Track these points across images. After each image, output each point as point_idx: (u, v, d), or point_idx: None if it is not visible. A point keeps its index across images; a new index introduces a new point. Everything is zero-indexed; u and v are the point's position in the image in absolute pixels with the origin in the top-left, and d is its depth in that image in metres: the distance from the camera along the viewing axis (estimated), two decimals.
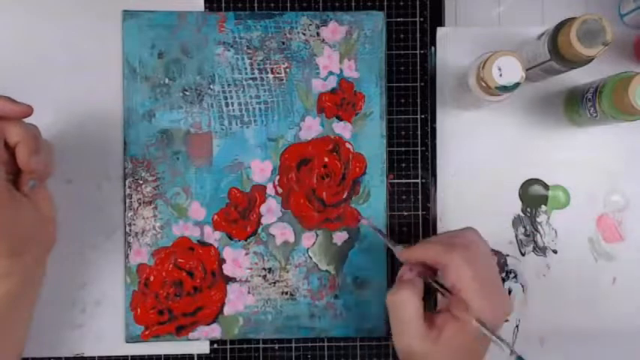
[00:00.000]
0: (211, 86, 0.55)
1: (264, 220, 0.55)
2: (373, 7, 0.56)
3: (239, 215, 0.55)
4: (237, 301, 0.54)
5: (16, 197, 0.43)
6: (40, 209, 0.46)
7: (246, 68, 0.55)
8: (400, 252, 0.49)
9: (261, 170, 0.55)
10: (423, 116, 0.56)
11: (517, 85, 0.46)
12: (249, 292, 0.55)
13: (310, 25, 0.55)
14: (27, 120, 0.44)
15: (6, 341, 0.46)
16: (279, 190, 0.55)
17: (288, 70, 0.55)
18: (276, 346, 0.55)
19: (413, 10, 0.56)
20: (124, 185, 0.54)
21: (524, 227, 0.56)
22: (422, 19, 0.56)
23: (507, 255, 0.56)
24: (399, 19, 0.56)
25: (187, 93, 0.54)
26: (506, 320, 0.56)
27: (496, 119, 0.56)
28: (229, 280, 0.54)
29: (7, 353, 0.46)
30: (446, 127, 0.56)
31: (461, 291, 0.45)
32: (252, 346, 0.55)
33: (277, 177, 0.55)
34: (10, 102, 0.43)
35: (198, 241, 0.54)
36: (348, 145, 0.55)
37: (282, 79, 0.55)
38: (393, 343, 0.47)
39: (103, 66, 0.54)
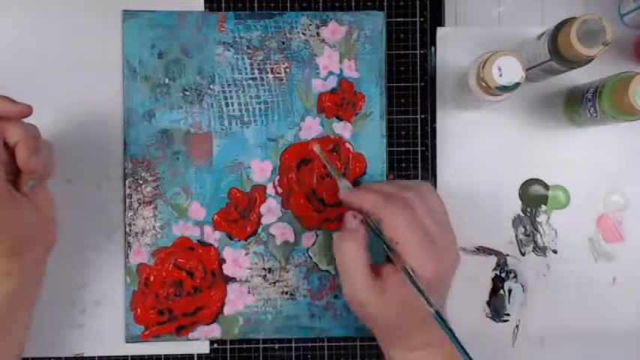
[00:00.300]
0: (211, 86, 0.55)
1: (264, 220, 0.55)
2: (373, 7, 0.56)
3: (239, 215, 0.55)
4: (237, 301, 0.54)
5: (15, 197, 0.43)
6: (40, 209, 0.46)
7: (246, 68, 0.55)
8: (341, 193, 0.49)
9: (261, 170, 0.55)
10: (423, 116, 0.56)
11: (517, 85, 0.46)
12: (249, 292, 0.55)
13: (310, 25, 0.55)
14: (27, 120, 0.44)
15: (6, 341, 0.46)
16: (279, 190, 0.55)
17: (288, 70, 0.55)
18: (276, 346, 0.55)
19: (413, 10, 0.56)
20: (124, 185, 0.54)
21: (524, 227, 0.56)
22: (422, 19, 0.56)
23: (507, 255, 0.56)
24: (399, 19, 0.56)
25: (187, 93, 0.54)
26: (506, 320, 0.56)
27: (496, 119, 0.56)
28: (229, 280, 0.54)
29: (7, 353, 0.47)
30: (446, 127, 0.56)
31: (398, 244, 0.45)
32: (252, 346, 0.55)
33: (277, 177, 0.55)
34: (9, 102, 0.43)
35: (198, 241, 0.54)
36: (348, 145, 0.55)
37: (282, 79, 0.55)
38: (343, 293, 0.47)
39: (103, 66, 0.54)
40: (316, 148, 0.53)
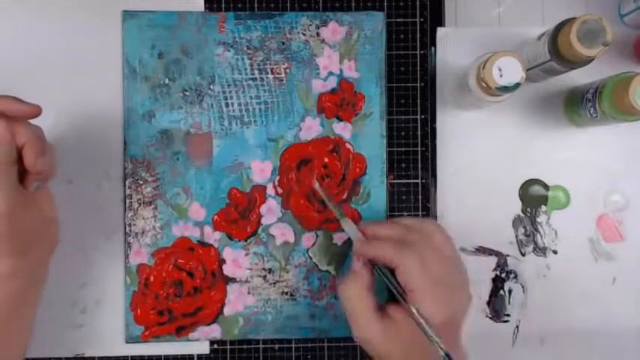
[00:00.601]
0: (211, 86, 0.54)
1: (264, 221, 0.55)
2: (373, 7, 0.56)
3: (239, 215, 0.55)
4: (237, 302, 0.54)
5: (25, 197, 0.44)
6: (44, 210, 0.46)
7: (246, 69, 0.55)
8: (355, 248, 0.50)
9: (261, 170, 0.55)
10: (423, 116, 0.56)
11: (517, 85, 0.46)
12: (249, 293, 0.55)
13: (310, 25, 0.55)
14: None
15: (11, 341, 0.46)
16: (279, 191, 0.55)
17: (288, 70, 0.55)
18: (276, 346, 0.55)
19: (413, 11, 0.56)
20: (124, 185, 0.54)
21: (525, 227, 0.56)
22: (422, 20, 0.56)
23: (507, 255, 0.56)
24: (399, 20, 0.56)
25: (187, 93, 0.54)
26: (506, 321, 0.56)
27: (496, 119, 0.56)
28: (229, 280, 0.54)
29: (11, 353, 0.47)
30: (446, 127, 0.56)
31: (412, 292, 0.45)
32: (252, 346, 0.55)
33: (277, 177, 0.55)
34: (19, 102, 0.43)
35: (198, 241, 0.54)
36: (348, 146, 0.55)
37: (282, 80, 0.55)
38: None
39: (103, 66, 0.54)
40: (317, 186, 0.54)
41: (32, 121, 0.44)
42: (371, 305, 0.47)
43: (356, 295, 0.47)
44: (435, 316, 0.45)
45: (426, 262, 0.46)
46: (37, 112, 0.43)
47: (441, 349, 0.43)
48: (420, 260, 0.45)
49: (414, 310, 0.45)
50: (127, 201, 0.54)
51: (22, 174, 0.44)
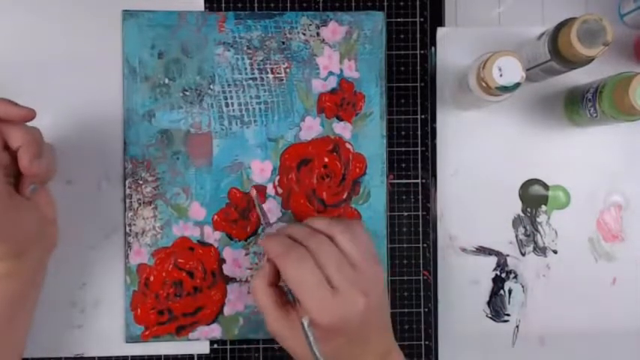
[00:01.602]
0: (211, 86, 0.54)
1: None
2: (373, 7, 0.56)
3: (239, 215, 0.55)
4: (237, 301, 0.54)
5: (16, 200, 0.43)
6: (42, 211, 0.46)
7: (246, 68, 0.55)
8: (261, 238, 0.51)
9: (262, 170, 0.55)
10: (423, 116, 0.56)
11: (517, 85, 0.46)
12: (249, 292, 0.55)
13: (310, 25, 0.55)
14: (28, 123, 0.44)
15: (8, 342, 0.46)
16: (280, 191, 0.55)
17: (288, 70, 0.55)
18: (276, 346, 0.55)
19: (413, 11, 0.56)
20: (124, 185, 0.54)
21: (525, 227, 0.56)
22: (422, 20, 0.56)
23: (507, 255, 0.56)
24: (399, 20, 0.56)
25: (187, 93, 0.54)
26: (506, 320, 0.56)
27: (496, 119, 0.56)
28: (229, 280, 0.54)
29: (8, 354, 0.47)
30: (446, 127, 0.56)
31: (295, 292, 0.45)
32: (252, 346, 0.55)
33: (277, 177, 0.55)
34: (12, 105, 0.42)
35: (198, 241, 0.54)
36: (348, 146, 0.55)
37: (282, 79, 0.55)
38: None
39: (103, 66, 0.54)
40: (253, 193, 0.54)
41: (31, 122, 0.44)
42: (274, 301, 0.46)
43: (260, 289, 0.46)
44: (320, 320, 0.43)
45: (315, 266, 0.44)
46: (30, 115, 0.43)
47: (317, 358, 0.43)
48: (306, 264, 0.44)
49: (300, 318, 0.44)
50: (127, 201, 0.54)
51: (18, 177, 0.44)
